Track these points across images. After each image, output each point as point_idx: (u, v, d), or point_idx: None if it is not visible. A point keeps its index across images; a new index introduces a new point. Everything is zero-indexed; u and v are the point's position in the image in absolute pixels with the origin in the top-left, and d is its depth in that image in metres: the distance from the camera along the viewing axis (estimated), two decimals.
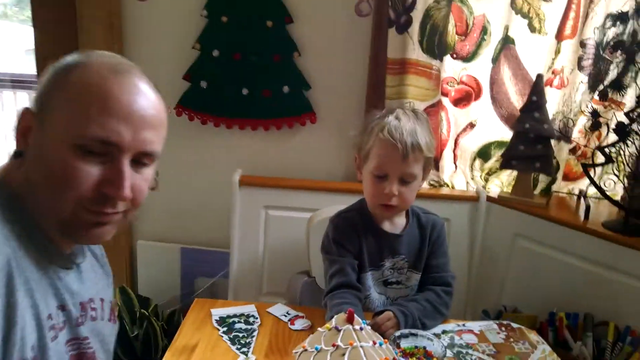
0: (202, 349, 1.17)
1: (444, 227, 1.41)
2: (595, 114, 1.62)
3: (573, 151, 1.80)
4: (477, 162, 1.85)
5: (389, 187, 1.25)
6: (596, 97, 1.64)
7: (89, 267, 0.91)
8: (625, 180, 1.61)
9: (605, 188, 1.61)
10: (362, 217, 1.35)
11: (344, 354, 0.92)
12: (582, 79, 1.66)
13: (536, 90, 1.65)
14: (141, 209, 0.86)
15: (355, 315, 1.01)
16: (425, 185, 1.85)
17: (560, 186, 1.84)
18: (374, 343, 0.97)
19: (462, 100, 1.77)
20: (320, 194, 1.82)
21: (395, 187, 1.25)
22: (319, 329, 1.03)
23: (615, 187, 1.66)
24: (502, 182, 1.86)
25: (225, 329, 1.24)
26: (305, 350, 1.00)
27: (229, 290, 1.91)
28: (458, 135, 1.83)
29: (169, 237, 2.03)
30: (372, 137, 1.27)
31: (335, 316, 1.02)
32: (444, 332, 1.29)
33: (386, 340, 1.05)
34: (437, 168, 1.84)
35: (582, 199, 1.76)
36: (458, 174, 1.89)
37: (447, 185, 1.89)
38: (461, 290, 1.87)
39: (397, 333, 1.17)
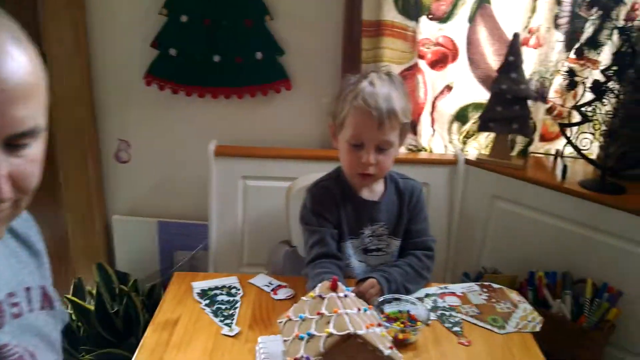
0: (185, 323, 1.15)
1: (422, 192, 1.40)
2: (571, 73, 1.62)
3: (549, 111, 1.80)
4: (455, 125, 1.84)
5: (365, 156, 1.22)
6: (572, 55, 1.63)
7: (3, 256, 0.79)
8: (602, 139, 1.62)
9: (581, 147, 1.62)
10: (340, 185, 1.33)
11: (329, 322, 0.91)
12: (559, 37, 1.64)
13: (513, 50, 1.64)
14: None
15: (338, 283, 1.00)
16: (403, 150, 1.84)
17: (537, 147, 1.85)
18: (359, 309, 0.96)
19: (439, 62, 1.75)
20: (298, 162, 1.79)
21: (372, 155, 1.23)
22: (303, 298, 1.02)
23: (592, 146, 1.67)
24: (480, 145, 1.86)
25: (207, 301, 1.23)
26: (290, 319, 0.99)
27: (209, 263, 1.89)
28: (435, 99, 1.81)
29: (146, 211, 1.99)
30: (346, 105, 1.23)
31: (319, 284, 1.01)
32: (427, 295, 1.29)
33: (371, 306, 1.05)
34: (414, 132, 1.83)
35: (559, 159, 1.77)
36: (436, 138, 1.88)
37: (425, 150, 1.88)
38: (441, 254, 1.88)
39: (381, 299, 1.18)
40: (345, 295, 0.98)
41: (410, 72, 1.73)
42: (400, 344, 1.09)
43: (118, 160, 1.95)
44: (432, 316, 1.20)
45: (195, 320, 1.16)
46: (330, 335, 0.88)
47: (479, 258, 1.84)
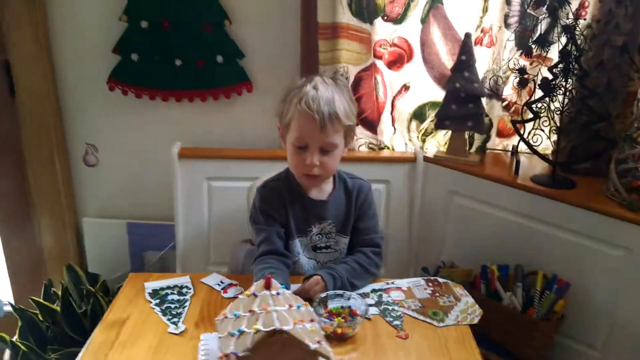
0: (133, 322, 1.19)
1: (370, 191, 1.43)
2: (522, 71, 1.66)
3: (507, 108, 1.83)
4: (414, 124, 1.88)
5: (310, 158, 1.27)
6: (522, 54, 1.67)
7: None
8: (553, 135, 1.66)
9: (533, 143, 1.66)
10: (288, 185, 1.37)
11: (258, 319, 0.95)
12: (510, 36, 1.68)
13: (465, 50, 1.67)
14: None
15: (273, 281, 1.04)
16: (364, 148, 1.89)
17: (496, 143, 1.89)
18: (290, 306, 1.00)
19: (396, 62, 1.78)
20: (260, 162, 1.83)
21: (316, 157, 1.27)
22: (240, 296, 1.06)
23: (547, 143, 1.71)
24: (439, 142, 1.90)
25: (157, 301, 1.27)
26: (226, 317, 1.03)
27: (177, 262, 1.93)
28: (394, 98, 1.85)
29: (115, 213, 2.03)
30: (291, 108, 1.27)
31: (255, 283, 1.05)
32: (373, 290, 1.33)
33: (306, 303, 1.09)
34: (374, 131, 1.86)
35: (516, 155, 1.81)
36: (397, 136, 1.92)
37: (388, 148, 1.92)
38: (403, 249, 1.93)
39: (323, 295, 1.22)
40: (278, 293, 1.02)
41: (367, 72, 1.77)
42: (340, 338, 1.14)
43: (86, 164, 1.99)
44: (375, 311, 1.25)
45: (144, 319, 1.20)
46: (257, 331, 0.92)
47: (440, 252, 1.88)
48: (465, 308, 1.28)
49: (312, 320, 1.03)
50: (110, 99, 1.86)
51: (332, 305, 1.22)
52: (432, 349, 1.13)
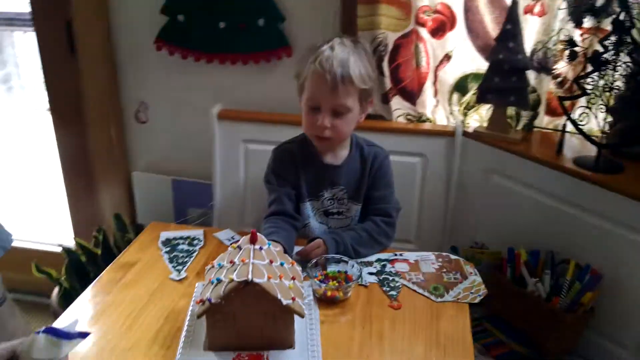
0: (140, 266, 1.26)
1: (387, 159, 1.40)
2: (571, 43, 1.53)
3: (562, 84, 1.71)
4: (455, 96, 1.80)
5: (320, 119, 1.26)
6: (575, 24, 1.53)
7: None
8: (601, 114, 1.52)
9: (579, 122, 1.54)
10: (303, 148, 1.37)
11: (235, 270, 0.97)
12: (562, 4, 1.55)
13: (511, 18, 1.57)
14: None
15: (259, 236, 1.06)
16: (402, 119, 1.84)
17: (545, 122, 1.77)
18: (271, 262, 1.02)
19: (439, 30, 1.71)
20: (296, 127, 1.80)
21: (327, 119, 1.26)
22: (229, 248, 1.09)
23: (599, 122, 1.57)
24: (482, 117, 1.81)
25: (168, 249, 1.33)
26: (213, 266, 1.07)
27: (213, 220, 2.01)
28: (437, 68, 1.77)
29: (162, 169, 2.13)
30: (306, 67, 1.27)
31: (244, 237, 1.08)
32: (377, 260, 1.32)
33: (293, 262, 1.10)
34: (413, 102, 1.81)
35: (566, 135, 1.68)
36: (439, 109, 1.85)
37: (429, 120, 1.86)
38: (437, 227, 1.87)
39: (319, 257, 1.22)
40: (261, 248, 1.03)
41: (407, 39, 1.71)
42: (330, 301, 1.14)
43: (138, 121, 2.10)
44: (374, 279, 1.23)
45: (152, 264, 1.27)
46: (231, 281, 0.95)
47: (474, 232, 1.80)
48: (470, 286, 1.23)
49: (293, 279, 1.04)
50: (159, 59, 1.94)
51: (331, 269, 1.22)
52: (420, 321, 1.11)
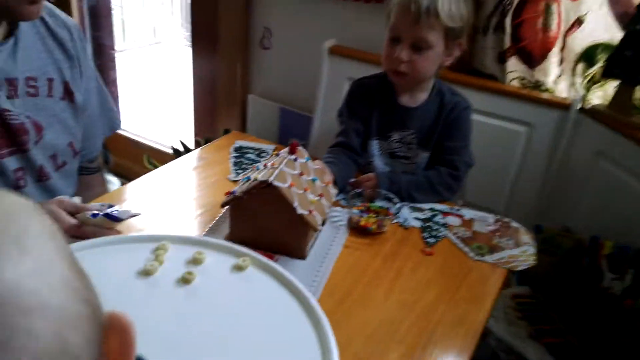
0: (208, 162, 1.37)
1: (466, 111, 1.32)
2: None
3: None
4: (580, 67, 1.61)
5: (398, 51, 1.22)
6: None
7: (34, 48, 1.00)
8: None
9: None
10: (381, 85, 1.34)
11: (262, 173, 1.01)
12: None
13: None
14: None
15: (299, 149, 1.09)
16: (516, 83, 1.71)
17: None
18: (302, 174, 1.04)
19: None
20: None
21: (406, 52, 1.22)
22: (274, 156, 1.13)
23: None
24: (606, 95, 1.60)
25: (237, 155, 1.41)
26: (253, 168, 1.12)
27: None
28: (567, 32, 1.60)
29: (274, 96, 2.23)
30: None
31: (286, 148, 1.11)
32: (431, 209, 1.27)
33: (329, 182, 1.11)
34: (531, 66, 1.66)
35: None
36: (563, 80, 1.68)
37: (549, 91, 1.70)
38: (530, 203, 1.73)
39: (371, 191, 1.21)
40: (296, 159, 1.06)
41: None
42: (362, 231, 1.13)
43: (262, 47, 2.20)
44: (417, 224, 1.19)
45: (218, 163, 1.36)
46: (255, 180, 0.99)
47: (567, 216, 1.64)
48: (518, 255, 1.13)
49: (321, 196, 1.05)
50: None
51: (377, 204, 1.21)
52: (446, 272, 1.06)
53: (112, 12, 2.93)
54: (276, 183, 0.96)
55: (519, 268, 1.10)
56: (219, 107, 2.37)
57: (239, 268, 0.71)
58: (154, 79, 4.11)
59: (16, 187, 1.03)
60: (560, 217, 1.65)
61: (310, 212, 0.99)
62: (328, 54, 1.91)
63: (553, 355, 1.34)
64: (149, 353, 0.46)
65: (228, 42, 2.20)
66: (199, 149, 1.44)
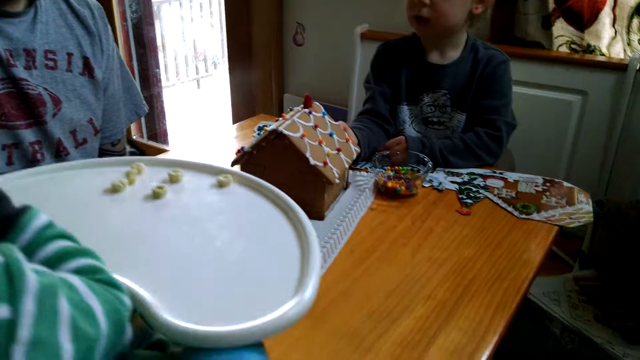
0: (234, 137, 1.31)
1: (504, 65, 1.19)
2: None
3: None
4: (636, 22, 1.45)
5: None
6: None
7: (54, 24, 0.99)
8: None
9: None
10: (409, 46, 1.25)
11: (276, 124, 0.93)
12: None
13: None
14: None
15: (314, 103, 1.00)
16: (564, 49, 1.56)
17: None
18: (317, 126, 0.95)
19: None
20: None
21: None
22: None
23: None
24: None
25: (259, 132, 1.35)
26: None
27: None
28: None
29: (307, 92, 2.16)
30: None
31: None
32: (470, 173, 1.14)
33: (349, 138, 1.02)
34: (580, 29, 1.51)
35: None
36: (617, 41, 1.52)
37: (601, 54, 1.54)
38: (591, 178, 1.56)
39: (402, 153, 1.10)
40: (310, 112, 0.97)
41: None
42: (390, 193, 1.03)
43: (295, 43, 2.16)
44: (454, 187, 1.07)
45: (242, 139, 1.31)
46: (267, 131, 0.91)
47: (635, 190, 1.46)
48: (572, 212, 0.99)
49: (339, 150, 0.96)
50: None
51: (408, 168, 1.10)
52: (485, 230, 0.92)
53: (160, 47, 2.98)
54: (286, 132, 0.88)
55: (572, 225, 0.95)
56: (256, 112, 2.34)
57: (220, 184, 0.63)
58: (202, 108, 4.10)
59: (33, 161, 1.00)
60: (629, 190, 1.47)
61: (325, 163, 0.89)
62: (360, 40, 1.84)
63: (626, 339, 1.16)
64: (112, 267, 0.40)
65: (262, 44, 2.18)
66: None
